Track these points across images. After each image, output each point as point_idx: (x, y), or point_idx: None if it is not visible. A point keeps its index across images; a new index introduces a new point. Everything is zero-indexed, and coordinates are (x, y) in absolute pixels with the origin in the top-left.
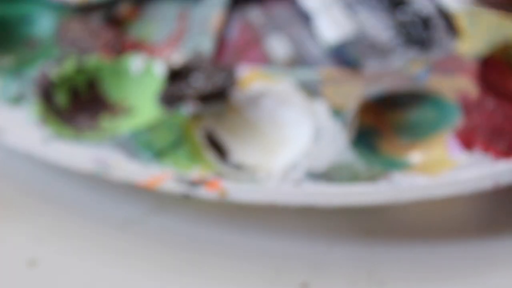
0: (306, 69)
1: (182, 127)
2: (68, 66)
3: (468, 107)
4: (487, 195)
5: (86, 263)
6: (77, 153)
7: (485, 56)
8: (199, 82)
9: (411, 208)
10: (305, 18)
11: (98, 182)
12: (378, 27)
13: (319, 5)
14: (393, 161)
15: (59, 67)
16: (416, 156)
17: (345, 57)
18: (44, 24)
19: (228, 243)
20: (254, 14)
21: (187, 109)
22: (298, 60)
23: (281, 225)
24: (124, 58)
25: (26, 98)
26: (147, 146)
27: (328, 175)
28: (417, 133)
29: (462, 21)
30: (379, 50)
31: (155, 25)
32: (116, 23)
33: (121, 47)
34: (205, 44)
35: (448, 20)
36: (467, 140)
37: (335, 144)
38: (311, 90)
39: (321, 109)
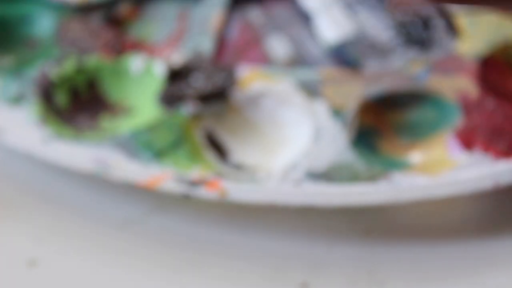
0: (306, 69)
1: (182, 127)
2: (68, 66)
3: (468, 107)
4: (487, 195)
5: (86, 263)
6: (77, 153)
7: (485, 56)
8: (199, 82)
9: (411, 208)
10: (305, 18)
11: (98, 182)
12: (378, 27)
13: (319, 5)
14: (393, 161)
15: (59, 67)
16: (416, 156)
17: (345, 57)
18: (44, 24)
19: (228, 243)
20: (254, 14)
21: (187, 109)
22: (298, 60)
23: (281, 225)
24: (124, 58)
25: (26, 98)
26: (147, 146)
27: (328, 175)
28: (417, 133)
29: (462, 21)
30: (379, 50)
31: (155, 25)
32: (116, 23)
33: (121, 47)
34: (205, 44)
35: (448, 20)
36: (467, 140)
37: (335, 144)
38: (311, 90)
39: (321, 109)
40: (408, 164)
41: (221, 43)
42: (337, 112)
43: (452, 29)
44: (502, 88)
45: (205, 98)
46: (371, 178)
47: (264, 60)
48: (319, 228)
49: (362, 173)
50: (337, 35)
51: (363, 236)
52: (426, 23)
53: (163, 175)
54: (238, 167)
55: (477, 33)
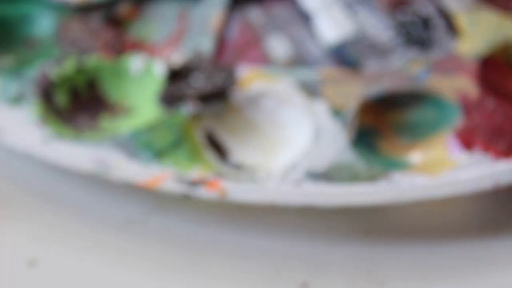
0: (306, 69)
1: (182, 127)
2: (68, 66)
3: (468, 107)
4: (487, 195)
5: (86, 263)
6: (77, 153)
7: (485, 56)
8: (199, 82)
9: (411, 208)
10: (305, 18)
11: (98, 182)
12: (378, 27)
13: (319, 5)
14: (393, 161)
15: (59, 67)
16: (416, 156)
17: (345, 57)
18: (44, 24)
19: (228, 243)
20: (254, 14)
21: (187, 109)
22: (298, 60)
23: (281, 225)
24: (124, 58)
25: (26, 98)
26: (147, 146)
27: (328, 175)
28: (417, 133)
29: (462, 21)
30: (379, 50)
31: (155, 25)
32: (116, 23)
33: (121, 47)
34: (205, 44)
35: (448, 20)
36: (467, 140)
37: (335, 144)
38: (311, 90)
39: (321, 109)
40: (408, 164)
41: (221, 43)
42: (337, 112)
43: (452, 29)
44: (502, 88)
45: (205, 98)
46: (371, 178)
47: (264, 60)
48: (319, 228)
49: (362, 173)
50: (337, 35)
51: (363, 236)
52: (426, 23)
53: (163, 175)
54: (238, 167)
55: (477, 33)
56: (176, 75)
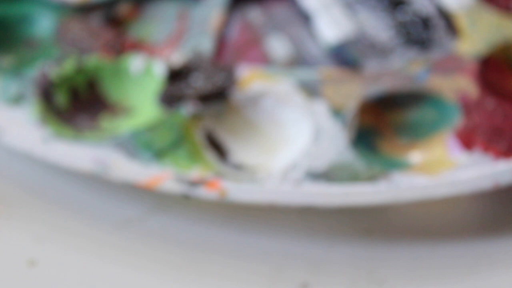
0: (306, 69)
1: (182, 127)
2: (68, 66)
3: (468, 107)
4: (487, 195)
5: (86, 263)
6: (77, 153)
7: (485, 56)
8: (199, 82)
9: (411, 208)
10: (305, 18)
11: (98, 182)
12: (378, 27)
13: (319, 5)
14: (393, 161)
15: (59, 67)
16: (416, 156)
17: (345, 57)
18: (44, 24)
19: (228, 243)
20: (254, 14)
21: (187, 109)
22: (298, 60)
23: (281, 225)
24: (124, 58)
25: (26, 98)
26: (147, 146)
27: (328, 175)
28: (417, 133)
29: (462, 21)
30: (379, 50)
31: (155, 25)
32: (116, 23)
33: (121, 47)
34: (205, 44)
35: (448, 20)
36: (467, 140)
37: (335, 144)
38: (311, 90)
39: (321, 109)
40: (408, 164)
41: (221, 43)
42: (337, 112)
43: (452, 29)
44: (502, 88)
45: (205, 98)
46: (371, 178)
47: (264, 60)
48: (319, 228)
49: (362, 173)
50: (337, 35)
51: (363, 236)
52: (426, 23)
53: (163, 175)
54: (238, 167)
55: (477, 33)
56: (176, 75)
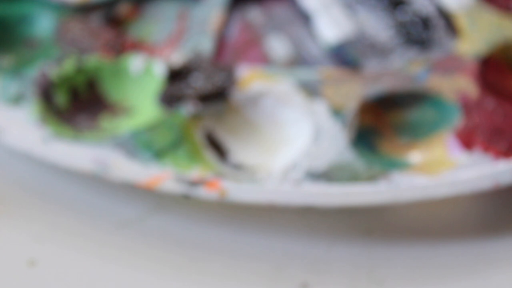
0: (306, 69)
1: (182, 127)
2: (68, 66)
3: (468, 107)
4: (487, 195)
5: (86, 263)
6: (77, 153)
7: (485, 56)
8: (199, 82)
9: (411, 208)
10: (305, 18)
11: (98, 182)
12: (378, 27)
13: (319, 5)
14: (393, 161)
15: (59, 67)
16: (416, 156)
17: (345, 57)
18: (44, 24)
19: (228, 243)
20: (254, 14)
21: (187, 109)
22: (298, 60)
23: (281, 225)
24: (124, 58)
25: (26, 98)
26: (147, 146)
27: (328, 175)
28: (417, 133)
29: (462, 21)
30: (379, 50)
31: (155, 25)
32: (116, 23)
33: (121, 47)
34: (205, 44)
35: (448, 20)
36: (467, 140)
37: (335, 144)
38: (311, 90)
39: (321, 109)
40: (408, 164)
41: (221, 43)
42: (337, 112)
43: (452, 29)
44: (502, 88)
45: (205, 98)
46: (371, 178)
47: (264, 60)
48: (319, 228)
49: (362, 173)
50: (337, 35)
51: (363, 236)
52: (426, 23)
53: (162, 175)
54: (238, 167)
55: (477, 33)
56: (176, 75)
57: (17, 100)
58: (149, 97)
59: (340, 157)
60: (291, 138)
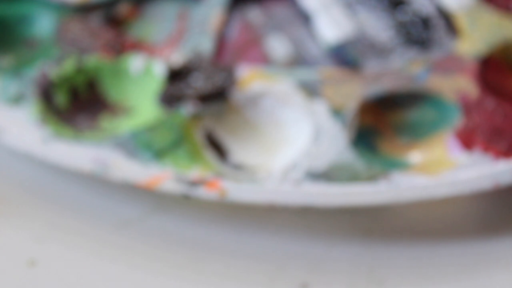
0: (306, 69)
1: (182, 127)
2: (68, 66)
3: (468, 107)
4: (487, 195)
5: (86, 263)
6: (77, 153)
7: (485, 56)
8: (199, 82)
9: (411, 208)
10: (305, 18)
11: (98, 182)
12: (378, 27)
13: (319, 5)
14: (393, 161)
15: (59, 67)
16: (416, 156)
17: (345, 57)
18: (44, 24)
19: (228, 243)
20: (254, 14)
21: (187, 109)
22: (298, 60)
23: (281, 225)
24: (124, 58)
25: (26, 98)
26: (147, 146)
27: (328, 175)
28: (417, 133)
29: (462, 21)
30: (379, 50)
31: (155, 25)
32: (116, 23)
33: (121, 47)
34: (205, 44)
35: (448, 20)
36: (467, 140)
37: (335, 144)
38: (311, 90)
39: (321, 109)
40: (408, 164)
41: (221, 43)
42: (337, 112)
43: (452, 29)
44: (502, 88)
45: (205, 98)
46: (371, 178)
47: (264, 60)
48: (319, 228)
49: (362, 173)
50: (337, 35)
51: (363, 236)
52: (426, 23)
53: (162, 175)
54: (238, 167)
55: (477, 33)
56: (176, 75)
57: (17, 100)
58: (149, 97)
59: (340, 157)
60: (291, 138)
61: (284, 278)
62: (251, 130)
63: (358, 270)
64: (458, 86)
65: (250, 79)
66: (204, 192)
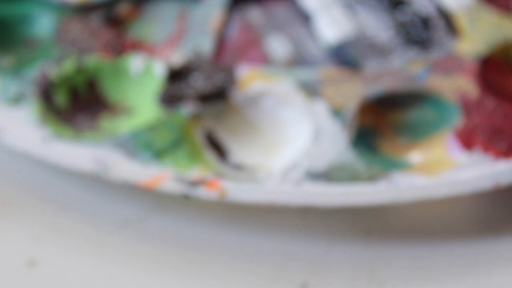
0: (306, 69)
1: (182, 127)
2: (68, 66)
3: (468, 107)
4: (487, 195)
5: (86, 263)
6: (77, 153)
7: (485, 56)
8: (199, 82)
9: (411, 208)
10: (305, 18)
11: (98, 182)
12: (378, 27)
13: (319, 5)
14: (393, 161)
15: (59, 67)
16: (416, 156)
17: (345, 57)
18: (44, 24)
19: (228, 243)
20: (254, 14)
21: (187, 109)
22: (298, 60)
23: (281, 225)
24: (124, 58)
25: (26, 98)
26: (147, 146)
27: (328, 175)
28: (417, 133)
29: (462, 21)
30: (379, 50)
31: (155, 25)
32: (116, 23)
33: (121, 47)
34: (205, 44)
35: (448, 20)
36: (467, 140)
37: (335, 144)
38: (311, 90)
39: (321, 109)
40: (408, 164)
41: (221, 43)
42: (337, 112)
43: (452, 29)
44: (502, 88)
45: (205, 98)
46: (371, 178)
47: (264, 60)
48: (319, 228)
49: (362, 173)
50: (337, 35)
51: (363, 236)
52: (426, 23)
53: (162, 175)
54: (238, 167)
55: (477, 33)
56: (176, 75)
57: (17, 100)
58: (149, 97)
59: (340, 157)
60: (291, 138)
61: (284, 278)
62: (251, 130)
63: (358, 270)
64: (458, 86)
65: (250, 79)
66: (204, 192)
